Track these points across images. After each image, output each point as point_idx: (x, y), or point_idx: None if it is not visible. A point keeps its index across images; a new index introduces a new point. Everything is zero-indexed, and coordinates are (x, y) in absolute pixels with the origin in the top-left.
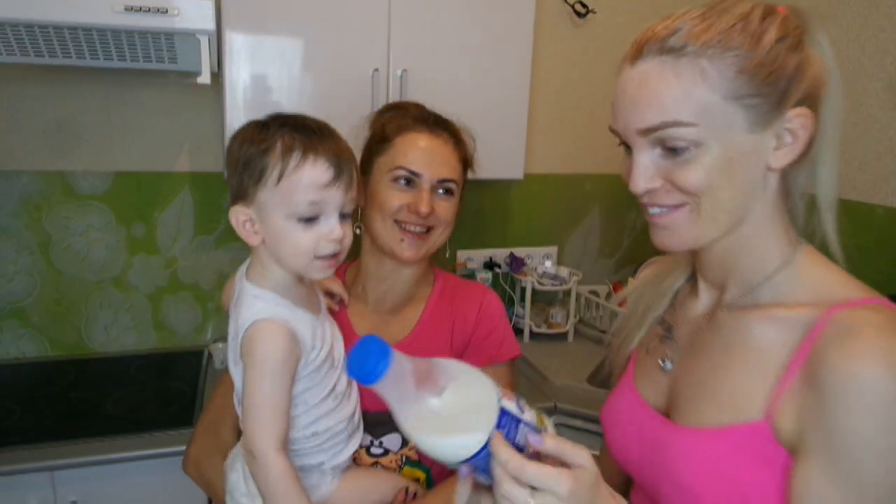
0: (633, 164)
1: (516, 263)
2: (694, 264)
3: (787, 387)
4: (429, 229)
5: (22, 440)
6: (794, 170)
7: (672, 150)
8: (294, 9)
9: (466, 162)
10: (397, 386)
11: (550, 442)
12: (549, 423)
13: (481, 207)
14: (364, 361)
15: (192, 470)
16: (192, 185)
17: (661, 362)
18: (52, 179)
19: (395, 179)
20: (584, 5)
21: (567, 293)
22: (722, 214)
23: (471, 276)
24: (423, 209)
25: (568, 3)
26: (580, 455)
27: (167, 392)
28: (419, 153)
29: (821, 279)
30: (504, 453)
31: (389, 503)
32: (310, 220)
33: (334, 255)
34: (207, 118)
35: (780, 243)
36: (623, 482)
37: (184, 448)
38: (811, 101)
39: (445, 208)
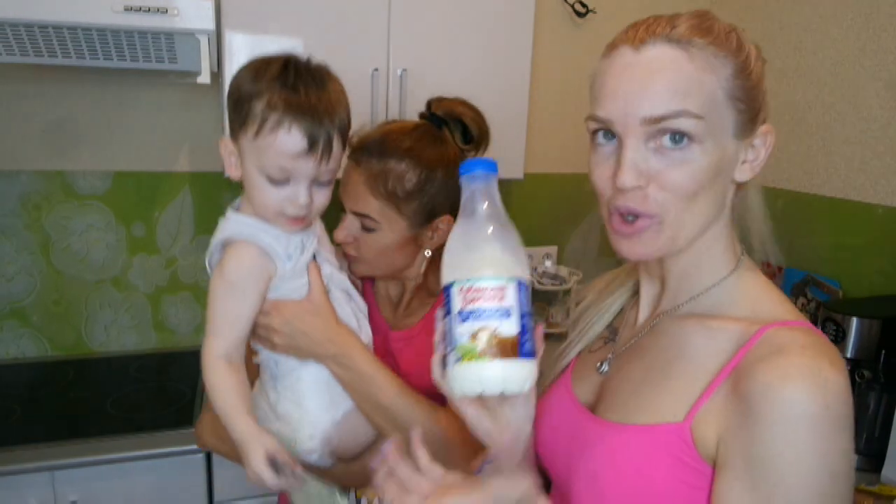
0: (622, 156)
1: None
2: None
3: (711, 394)
4: (355, 258)
5: (22, 440)
6: (742, 186)
7: (671, 143)
8: (294, 9)
9: (390, 196)
10: (490, 198)
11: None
12: None
13: None
14: (487, 163)
15: (209, 437)
16: (192, 185)
17: (598, 365)
18: (51, 179)
19: None
20: (584, 5)
21: (567, 293)
22: (693, 222)
23: None
24: (336, 235)
25: (568, 3)
26: None
27: (167, 392)
28: (343, 183)
29: (759, 296)
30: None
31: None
32: (279, 181)
33: (301, 217)
34: (207, 118)
35: (727, 257)
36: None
37: (184, 448)
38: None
39: (365, 243)
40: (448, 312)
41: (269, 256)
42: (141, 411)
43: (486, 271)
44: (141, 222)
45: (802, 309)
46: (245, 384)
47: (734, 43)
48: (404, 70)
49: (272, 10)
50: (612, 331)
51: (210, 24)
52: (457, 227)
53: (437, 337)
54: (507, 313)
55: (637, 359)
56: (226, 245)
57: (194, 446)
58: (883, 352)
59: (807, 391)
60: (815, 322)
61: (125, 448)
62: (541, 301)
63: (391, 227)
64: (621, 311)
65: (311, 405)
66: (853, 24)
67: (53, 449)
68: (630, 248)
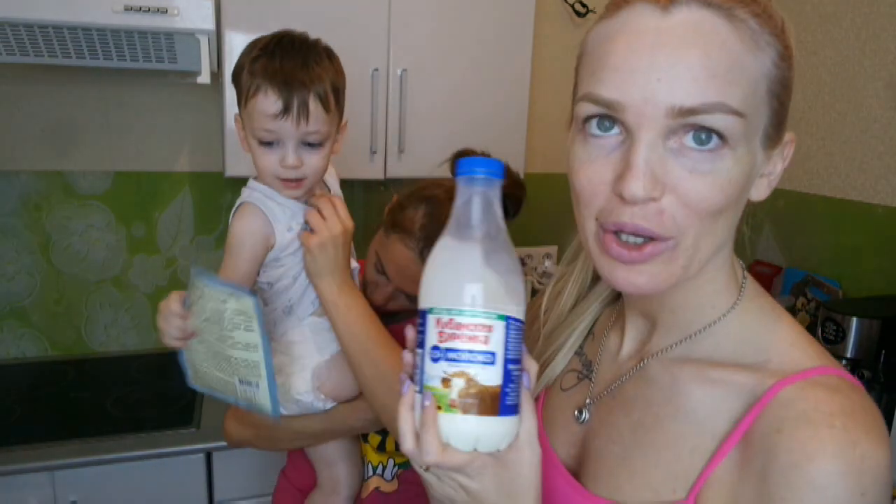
0: (634, 155)
1: None
2: (613, 290)
3: (718, 465)
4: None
5: (22, 440)
6: (747, 204)
7: (696, 143)
8: (294, 8)
9: None
10: (488, 207)
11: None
12: None
13: None
14: (490, 164)
15: (231, 422)
16: (192, 185)
17: (576, 413)
18: (52, 179)
19: None
20: (583, 5)
21: None
22: (708, 247)
23: None
24: (377, 301)
25: (568, 2)
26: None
27: (167, 392)
28: (392, 259)
29: (769, 335)
30: None
31: None
32: (269, 144)
33: (297, 180)
34: (207, 118)
35: (730, 285)
36: None
37: (184, 448)
38: None
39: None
40: (421, 345)
41: (271, 223)
42: (141, 411)
43: (471, 302)
44: (141, 222)
45: (802, 309)
46: None
47: (778, 20)
48: (404, 70)
49: (272, 10)
50: (584, 363)
51: (210, 24)
52: (444, 239)
53: (404, 371)
54: (490, 358)
55: (622, 411)
56: (239, 207)
57: (194, 446)
58: (883, 352)
59: (839, 475)
60: (815, 322)
61: (125, 448)
62: None
63: None
64: (591, 334)
65: (298, 350)
66: (853, 24)
67: (53, 449)
68: (630, 278)
